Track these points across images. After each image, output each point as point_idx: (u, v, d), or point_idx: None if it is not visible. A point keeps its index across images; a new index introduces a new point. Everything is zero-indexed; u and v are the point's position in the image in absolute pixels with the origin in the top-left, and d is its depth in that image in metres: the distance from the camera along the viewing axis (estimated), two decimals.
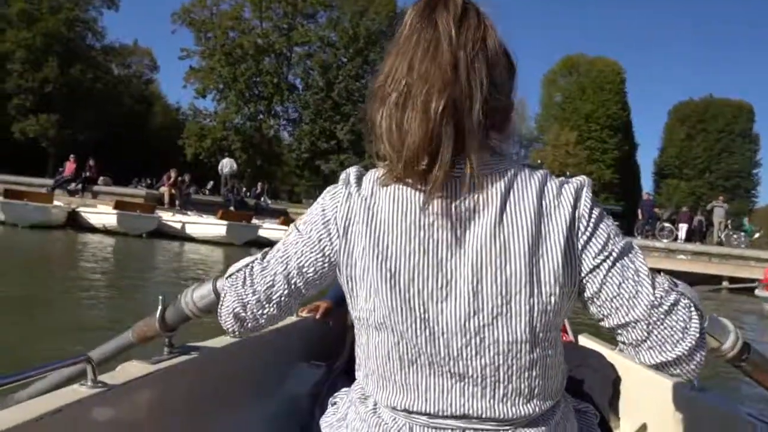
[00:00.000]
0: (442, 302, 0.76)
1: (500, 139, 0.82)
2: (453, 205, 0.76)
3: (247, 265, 0.93)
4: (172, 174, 17.72)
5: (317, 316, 2.05)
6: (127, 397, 1.14)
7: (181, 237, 14.62)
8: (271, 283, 0.88)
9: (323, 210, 0.85)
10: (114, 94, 33.70)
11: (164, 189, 17.13)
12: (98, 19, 34.45)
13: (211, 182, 25.29)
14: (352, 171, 0.85)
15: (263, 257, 0.92)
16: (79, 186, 16.33)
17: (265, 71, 31.94)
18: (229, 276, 0.95)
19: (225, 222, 14.69)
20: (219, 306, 0.95)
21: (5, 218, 12.89)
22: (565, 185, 0.79)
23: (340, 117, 31.79)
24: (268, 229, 15.80)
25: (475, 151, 0.74)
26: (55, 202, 14.34)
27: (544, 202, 0.77)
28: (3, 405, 0.97)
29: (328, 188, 0.87)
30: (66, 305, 5.48)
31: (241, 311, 0.92)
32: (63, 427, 0.97)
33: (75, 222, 14.27)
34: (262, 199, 21.78)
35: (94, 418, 1.06)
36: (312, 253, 0.85)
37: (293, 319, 1.93)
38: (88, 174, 16.74)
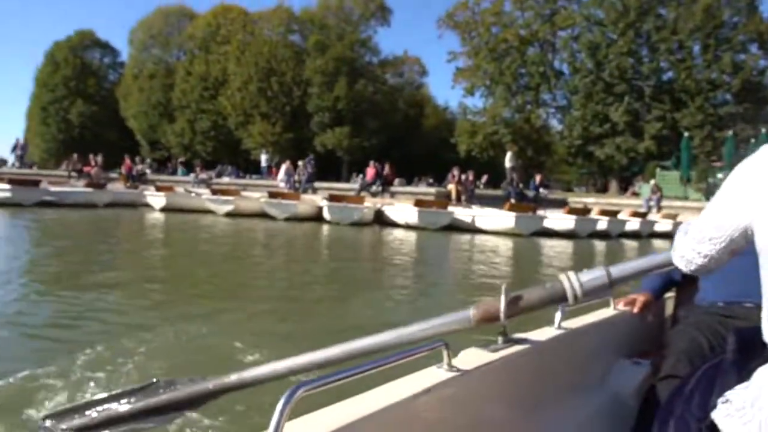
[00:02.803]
0: None
1: None
2: None
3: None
4: (455, 172, 18.75)
5: (635, 310, 1.92)
6: (476, 383, 1.22)
7: (472, 229, 15.32)
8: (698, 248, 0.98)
9: (738, 180, 0.90)
10: (391, 103, 37.08)
11: (451, 186, 18.22)
12: (373, 37, 38.56)
13: (485, 176, 26.03)
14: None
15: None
16: (380, 188, 18.37)
17: (530, 61, 31.60)
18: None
19: (513, 214, 14.92)
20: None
21: (331, 218, 15.22)
22: None
23: (613, 98, 29.64)
24: (553, 219, 15.62)
25: None
26: (365, 203, 16.36)
27: None
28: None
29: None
30: (395, 283, 6.16)
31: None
32: (430, 405, 1.08)
33: (380, 219, 16.08)
34: (540, 189, 21.62)
35: (451, 398, 1.15)
36: (728, 219, 0.91)
37: (610, 312, 1.89)
38: (386, 177, 18.72)
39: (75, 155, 25.62)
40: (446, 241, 12.69)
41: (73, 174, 23.59)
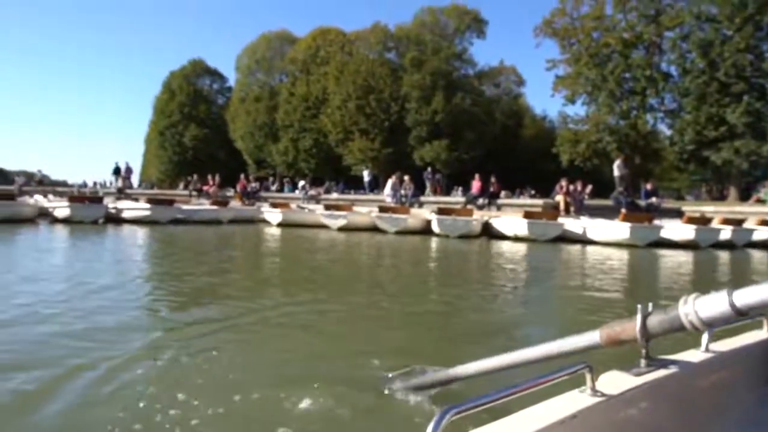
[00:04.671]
0: None
1: None
2: None
3: None
4: (564, 183, 18.42)
5: None
6: (621, 409, 1.15)
7: (583, 240, 14.98)
8: None
9: None
10: (488, 114, 36.96)
11: (559, 197, 17.91)
12: (468, 49, 38.70)
13: (589, 186, 25.25)
14: None
15: None
16: (486, 200, 18.42)
17: (635, 65, 30.34)
18: None
19: (628, 224, 14.45)
20: None
21: (440, 231, 15.48)
22: None
23: (730, 99, 27.75)
24: (671, 229, 14.93)
25: None
26: (474, 216, 16.48)
27: None
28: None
29: None
30: (519, 294, 6.22)
31: None
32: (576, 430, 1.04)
33: (488, 231, 16.12)
34: (653, 198, 20.67)
35: (598, 425, 1.09)
36: None
37: (763, 335, 1.71)
38: (492, 190, 18.73)
39: (195, 176, 27.77)
40: (558, 253, 12.51)
41: (194, 193, 25.57)
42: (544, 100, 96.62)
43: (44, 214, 16.59)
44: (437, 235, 15.45)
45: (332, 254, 11.10)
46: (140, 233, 13.66)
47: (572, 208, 17.72)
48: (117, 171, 30.91)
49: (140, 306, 4.98)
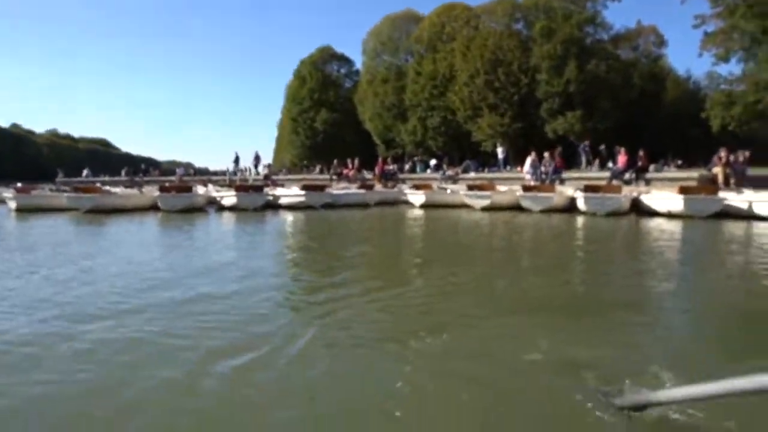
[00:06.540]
0: None
1: None
2: None
3: None
4: (723, 153, 17.15)
5: None
6: None
7: (748, 216, 13.96)
8: None
9: None
10: (625, 79, 34.87)
11: (717, 169, 16.74)
12: (602, 12, 36.49)
13: (747, 152, 23.14)
14: None
15: None
16: (633, 175, 17.68)
17: None
18: None
19: None
20: None
21: (586, 209, 15.20)
22: None
23: None
24: None
25: None
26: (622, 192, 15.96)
27: None
28: None
29: None
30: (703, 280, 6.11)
31: None
32: None
33: (637, 208, 15.53)
34: None
35: None
36: None
37: None
38: (640, 164, 17.93)
39: (335, 160, 29.32)
40: (723, 231, 11.85)
41: (334, 177, 27.07)
42: (689, 61, 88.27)
43: (212, 203, 18.60)
44: (584, 213, 15.20)
45: (489, 235, 11.46)
46: (300, 217, 14.97)
47: (732, 181, 16.48)
48: (237, 160, 33.40)
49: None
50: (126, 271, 6.71)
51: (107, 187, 23.25)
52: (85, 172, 37.54)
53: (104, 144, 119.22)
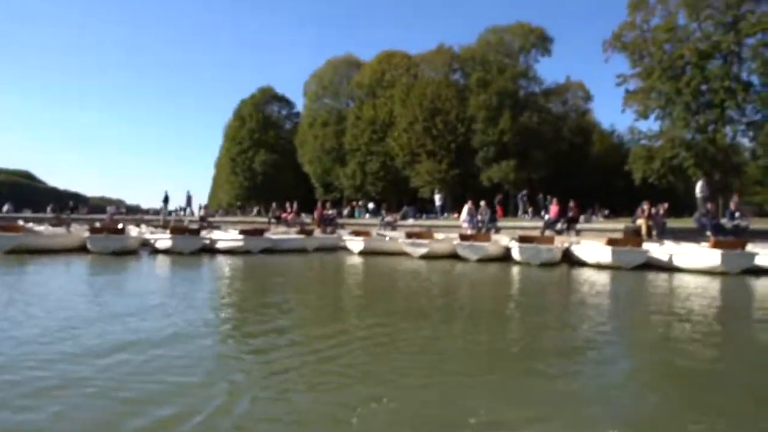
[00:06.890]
0: None
1: None
2: None
3: None
4: (645, 206, 18.12)
5: None
6: None
7: (668, 268, 14.63)
8: None
9: None
10: (556, 131, 36.69)
11: (640, 221, 17.64)
12: (534, 67, 38.59)
13: (665, 204, 24.56)
14: None
15: None
16: (565, 225, 18.37)
17: (712, 76, 29.40)
18: None
19: (719, 251, 14.01)
20: None
21: (520, 258, 15.59)
22: None
23: None
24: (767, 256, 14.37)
25: None
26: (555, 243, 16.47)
27: None
28: None
29: None
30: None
31: None
32: None
33: (569, 259, 16.06)
34: (736, 216, 19.85)
35: None
36: None
37: None
38: (570, 214, 18.67)
39: (274, 203, 28.93)
40: (645, 282, 12.36)
41: (272, 220, 26.66)
42: (613, 115, 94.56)
43: (145, 245, 17.79)
44: (518, 263, 15.55)
45: (427, 287, 11.47)
46: (238, 263, 14.52)
47: (654, 233, 17.40)
48: (167, 199, 32.41)
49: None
50: (45, 319, 6.21)
51: (31, 224, 21.85)
52: (6, 207, 35.31)
53: (28, 177, 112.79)
